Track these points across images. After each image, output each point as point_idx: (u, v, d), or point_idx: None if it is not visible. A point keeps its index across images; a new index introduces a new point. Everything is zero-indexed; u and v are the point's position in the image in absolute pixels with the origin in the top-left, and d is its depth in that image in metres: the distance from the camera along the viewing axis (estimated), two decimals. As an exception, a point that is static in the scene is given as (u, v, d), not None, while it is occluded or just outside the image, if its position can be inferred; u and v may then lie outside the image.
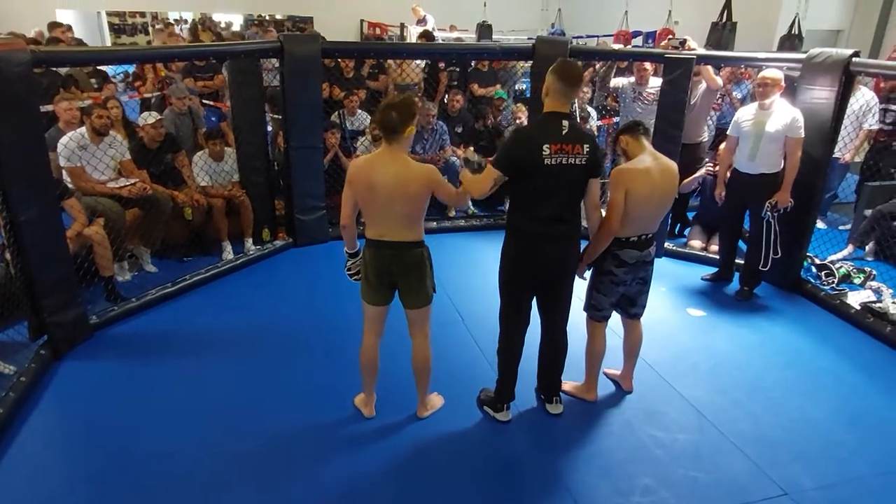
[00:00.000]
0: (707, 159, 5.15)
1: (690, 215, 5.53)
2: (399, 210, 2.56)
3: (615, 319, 3.12)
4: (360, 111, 5.94)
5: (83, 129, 4.15)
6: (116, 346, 3.60)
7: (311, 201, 5.03)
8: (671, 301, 4.29)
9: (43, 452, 2.77)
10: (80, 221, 3.76)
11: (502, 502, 2.54)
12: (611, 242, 2.83)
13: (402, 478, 2.64)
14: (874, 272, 4.55)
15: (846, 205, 6.12)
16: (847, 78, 3.94)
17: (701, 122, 5.12)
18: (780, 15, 9.12)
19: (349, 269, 2.85)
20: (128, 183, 4.25)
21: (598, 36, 10.63)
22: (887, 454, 2.83)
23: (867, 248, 5.06)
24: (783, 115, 3.89)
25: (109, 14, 12.61)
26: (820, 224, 5.42)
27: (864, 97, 5.29)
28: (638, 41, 10.30)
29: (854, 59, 3.87)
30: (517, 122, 5.73)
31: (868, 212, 5.11)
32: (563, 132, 2.53)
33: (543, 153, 2.50)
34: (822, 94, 4.02)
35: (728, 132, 4.26)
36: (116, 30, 12.75)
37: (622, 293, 2.99)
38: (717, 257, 4.68)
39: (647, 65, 5.20)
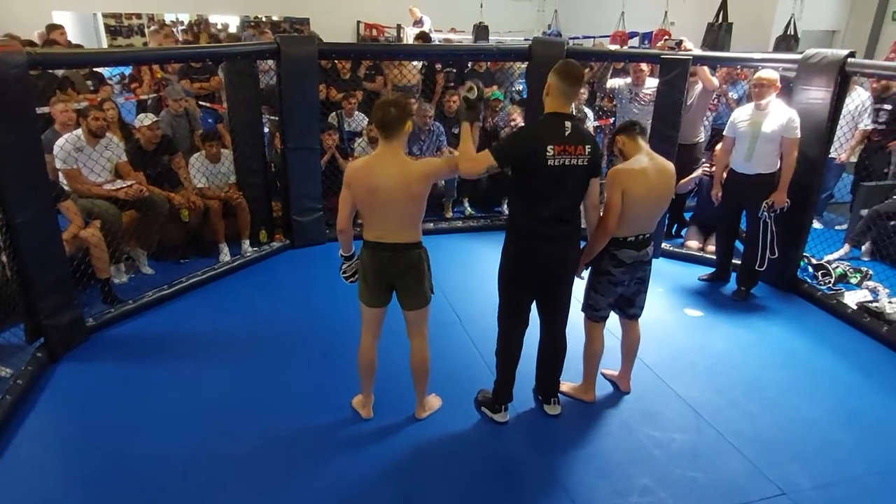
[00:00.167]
0: (704, 160, 5.16)
1: (687, 216, 5.53)
2: (400, 211, 2.56)
3: (613, 320, 3.12)
4: (357, 112, 5.94)
5: (79, 131, 4.14)
6: (113, 348, 3.59)
7: (308, 203, 5.02)
8: (668, 301, 4.30)
9: (39, 455, 2.76)
10: (76, 223, 3.75)
11: (500, 503, 2.54)
12: (608, 242, 2.83)
13: (401, 479, 2.64)
14: (870, 272, 4.56)
15: (842, 205, 6.14)
16: (843, 78, 3.95)
17: (697, 123, 5.13)
18: (775, 15, 9.15)
19: (344, 273, 2.84)
20: (124, 185, 4.23)
21: (594, 37, 10.65)
22: (884, 453, 2.84)
23: (863, 247, 5.07)
24: (779, 116, 3.90)
25: (105, 16, 12.57)
26: (816, 224, 5.43)
27: (859, 97, 5.32)
28: (634, 42, 10.32)
29: (850, 59, 3.89)
30: (512, 123, 5.73)
31: (864, 212, 5.12)
32: (566, 133, 2.53)
33: (547, 154, 2.50)
34: (817, 94, 4.03)
35: (724, 133, 4.27)
36: (112, 31, 12.71)
37: (620, 293, 2.99)
38: (714, 257, 4.69)
39: (644, 66, 5.21)
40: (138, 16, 12.84)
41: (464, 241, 5.41)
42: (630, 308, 3.07)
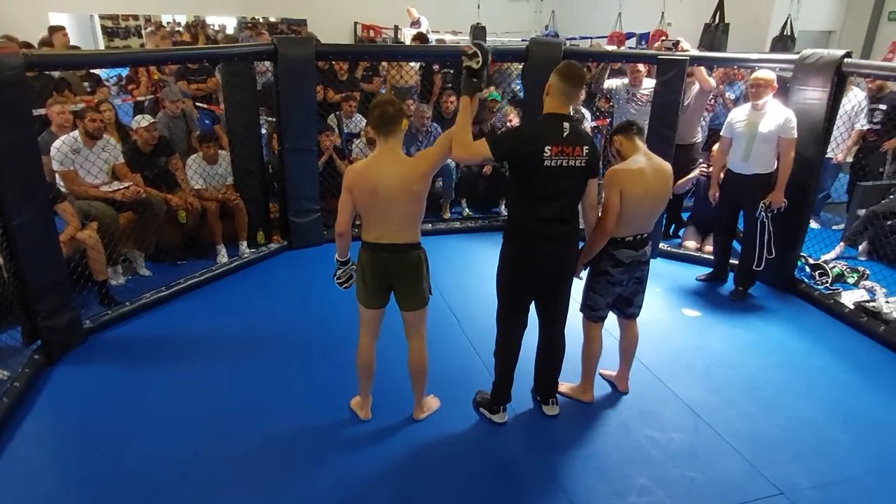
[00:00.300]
0: (701, 160, 5.17)
1: (685, 216, 5.54)
2: (401, 211, 2.56)
3: (611, 320, 3.13)
4: (356, 114, 5.94)
5: (76, 133, 4.12)
6: (110, 350, 3.58)
7: (306, 204, 5.02)
8: (666, 301, 4.30)
9: (37, 457, 2.75)
10: (73, 225, 3.74)
11: (499, 503, 2.55)
12: (607, 243, 2.84)
13: (399, 480, 2.64)
14: (867, 272, 4.57)
15: (839, 204, 6.16)
16: (839, 78, 3.97)
17: (694, 123, 5.14)
18: (772, 16, 9.19)
19: (339, 278, 2.79)
20: (121, 186, 4.23)
21: (591, 38, 10.68)
22: (882, 452, 2.84)
23: (860, 247, 5.09)
24: (776, 116, 3.90)
25: (102, 17, 12.58)
26: (813, 224, 5.45)
27: (856, 97, 5.33)
28: (631, 43, 10.33)
29: (846, 59, 3.90)
30: (508, 124, 5.74)
31: (861, 211, 5.14)
32: (565, 134, 2.53)
33: (544, 154, 2.50)
34: (814, 94, 4.04)
35: (721, 133, 4.28)
36: (109, 33, 12.71)
37: (618, 293, 2.99)
38: (712, 258, 4.70)
39: (641, 66, 5.21)
40: (135, 17, 12.84)
41: (462, 242, 5.41)
42: (628, 308, 3.07)
